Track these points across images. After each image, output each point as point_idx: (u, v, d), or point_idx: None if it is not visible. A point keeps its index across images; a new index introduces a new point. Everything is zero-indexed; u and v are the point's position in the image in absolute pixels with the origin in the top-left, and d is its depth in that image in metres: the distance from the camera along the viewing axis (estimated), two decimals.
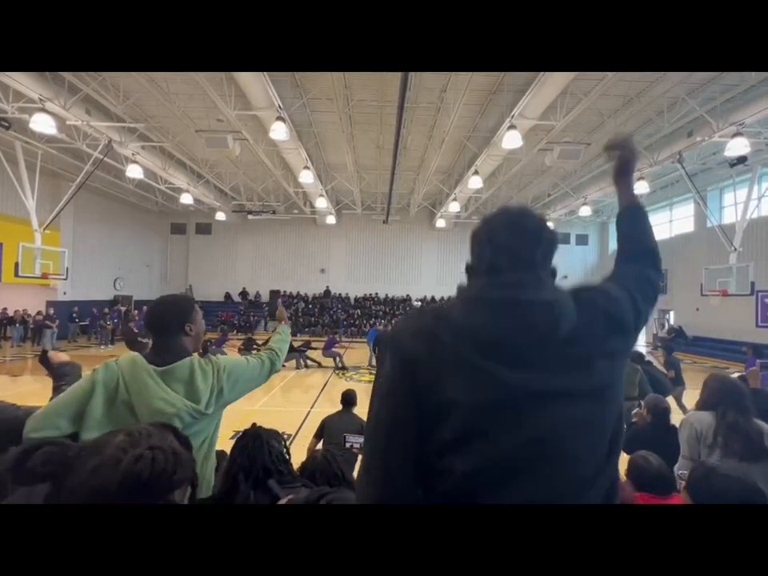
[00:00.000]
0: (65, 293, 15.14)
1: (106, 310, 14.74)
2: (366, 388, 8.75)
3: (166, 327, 1.49)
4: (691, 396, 8.50)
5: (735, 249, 10.56)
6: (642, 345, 18.47)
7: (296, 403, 7.48)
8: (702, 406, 2.13)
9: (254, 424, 1.55)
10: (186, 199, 15.49)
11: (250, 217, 19.48)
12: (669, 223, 18.83)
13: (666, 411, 2.49)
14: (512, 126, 8.73)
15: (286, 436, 5.45)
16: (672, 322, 18.08)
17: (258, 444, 1.43)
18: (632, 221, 1.07)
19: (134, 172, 11.92)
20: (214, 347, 10.62)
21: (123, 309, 17.56)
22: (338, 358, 10.83)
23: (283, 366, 8.80)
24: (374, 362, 12.47)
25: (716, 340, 15.00)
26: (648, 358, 6.95)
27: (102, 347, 13.70)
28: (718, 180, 14.71)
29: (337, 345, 11.28)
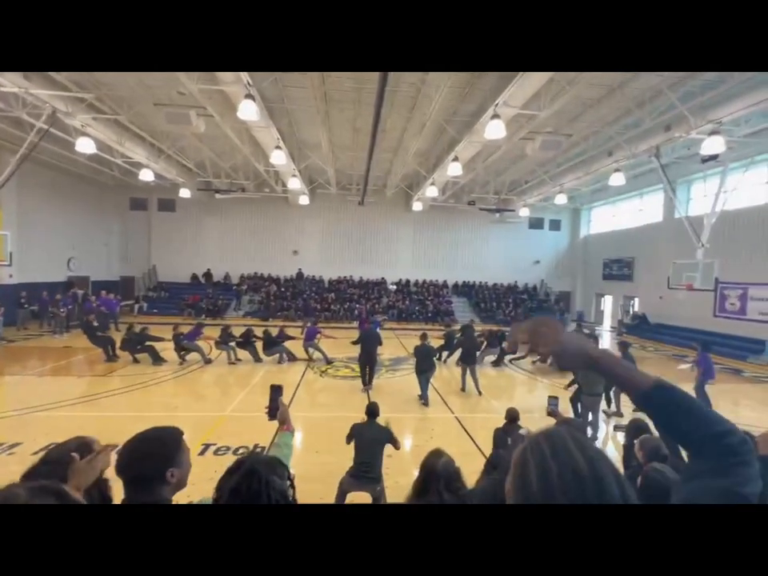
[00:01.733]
0: (11, 275, 13.88)
1: (58, 296, 13.65)
2: (344, 384, 8.52)
3: (142, 477, 1.19)
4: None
5: (702, 245, 10.87)
6: (608, 331, 19.22)
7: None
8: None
9: (251, 452, 1.30)
10: (146, 176, 14.33)
11: (217, 196, 18.37)
12: (639, 212, 19.27)
13: (664, 459, 2.33)
14: (495, 116, 8.39)
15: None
16: (636, 308, 18.81)
17: (256, 487, 1.10)
18: (668, 411, 0.81)
19: (84, 146, 10.77)
20: (186, 341, 10.05)
21: (80, 293, 16.43)
22: (320, 351, 10.39)
23: (259, 360, 8.38)
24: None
25: (677, 328, 15.73)
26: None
27: (56, 336, 12.76)
28: (687, 173, 15.04)
29: (319, 335, 10.80)
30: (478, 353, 10.70)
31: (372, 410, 3.94)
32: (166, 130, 12.53)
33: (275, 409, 1.89)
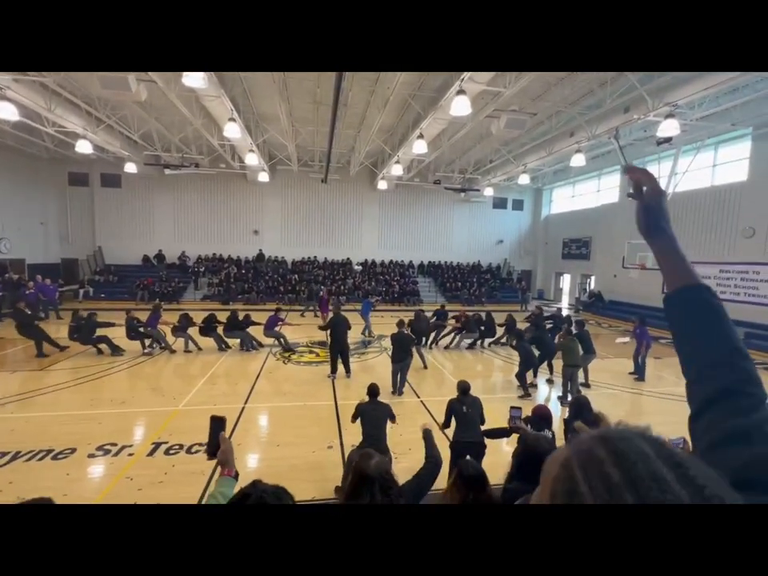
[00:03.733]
0: None
1: None
2: (308, 371, 8.26)
3: None
4: (605, 364, 9.33)
5: None
6: (566, 308, 19.98)
7: (227, 396, 6.77)
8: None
9: (254, 482, 1.13)
10: (84, 148, 12.95)
11: (167, 171, 17.05)
12: (596, 193, 19.86)
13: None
14: (461, 91, 8.12)
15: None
16: (593, 287, 19.63)
17: None
18: (699, 316, 0.72)
19: (5, 112, 9.50)
20: (149, 328, 9.32)
21: (15, 277, 14.94)
22: (282, 339, 9.95)
23: (226, 348, 8.00)
24: (368, 334, 11.86)
25: (630, 304, 16.57)
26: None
27: None
28: (643, 155, 15.52)
29: (281, 324, 10.33)
30: (440, 335, 10.86)
31: (374, 390, 4.27)
32: (103, 96, 11.31)
33: (215, 446, 1.54)
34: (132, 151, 15.80)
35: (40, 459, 4.48)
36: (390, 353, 7.77)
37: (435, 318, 11.17)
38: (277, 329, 10.01)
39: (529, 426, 3.31)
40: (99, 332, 9.10)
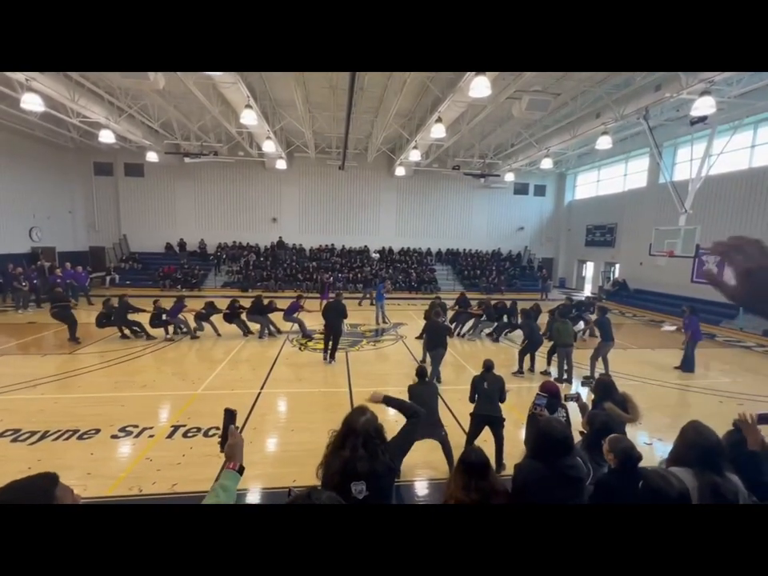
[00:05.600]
0: None
1: (20, 269, 12.84)
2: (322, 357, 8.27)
3: None
4: (623, 355, 9.02)
5: (686, 210, 10.76)
6: (588, 296, 19.42)
7: (245, 382, 6.90)
8: (676, 458, 2.07)
9: (309, 492, 1.12)
10: (107, 137, 13.25)
11: (186, 159, 17.27)
12: (623, 177, 19.04)
13: (637, 461, 2.09)
14: (480, 72, 7.81)
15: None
16: (617, 275, 18.99)
17: None
18: None
19: (31, 103, 9.74)
20: (169, 318, 9.58)
21: (47, 265, 15.54)
22: (301, 326, 10.03)
23: (248, 333, 8.20)
24: (380, 321, 11.88)
25: (655, 293, 15.97)
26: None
27: (20, 311, 12.11)
28: (674, 136, 14.74)
29: (300, 310, 10.34)
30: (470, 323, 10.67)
31: (422, 372, 4.48)
32: (124, 86, 11.46)
33: (225, 439, 1.57)
34: (153, 140, 16.05)
35: (66, 439, 4.68)
36: (405, 340, 7.73)
37: (457, 305, 11.00)
38: (296, 315, 10.10)
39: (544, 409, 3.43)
40: (131, 317, 9.48)
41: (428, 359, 7.36)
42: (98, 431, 4.87)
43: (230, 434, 1.55)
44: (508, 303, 10.53)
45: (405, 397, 3.38)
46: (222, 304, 10.25)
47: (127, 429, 4.96)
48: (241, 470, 1.50)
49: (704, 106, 8.74)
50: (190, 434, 4.86)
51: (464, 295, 11.19)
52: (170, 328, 9.67)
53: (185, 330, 9.76)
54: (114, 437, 4.77)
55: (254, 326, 10.01)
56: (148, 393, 6.21)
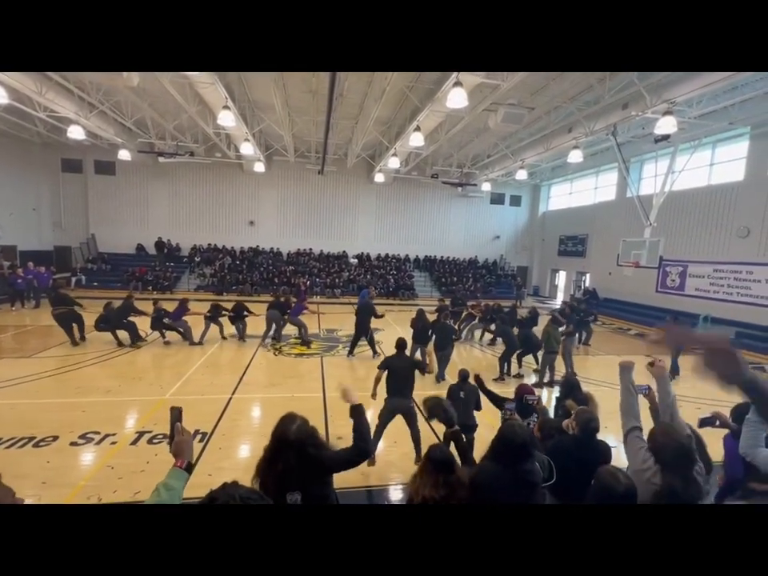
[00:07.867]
0: None
1: None
2: (300, 362, 8.20)
3: None
4: (591, 360, 9.31)
5: (650, 223, 11.28)
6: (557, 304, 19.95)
7: (216, 387, 6.73)
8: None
9: (224, 485, 1.04)
10: (77, 134, 12.77)
11: (161, 159, 16.85)
12: (594, 190, 19.80)
13: (595, 430, 2.68)
14: (458, 83, 8.01)
15: (200, 435, 4.86)
16: (587, 284, 19.64)
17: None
18: None
19: None
20: (170, 320, 9.19)
21: (6, 264, 14.75)
22: (303, 329, 9.78)
23: (224, 338, 7.88)
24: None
25: (623, 302, 16.60)
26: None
27: None
28: (640, 152, 15.46)
29: (306, 311, 10.12)
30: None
31: (401, 344, 4.76)
32: (95, 81, 11.12)
33: (173, 437, 1.52)
34: (126, 138, 15.58)
35: (21, 446, 4.44)
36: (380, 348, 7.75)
37: (452, 305, 11.23)
38: (301, 316, 9.92)
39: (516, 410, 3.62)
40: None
41: (417, 354, 7.65)
42: (55, 438, 4.65)
43: (176, 432, 1.51)
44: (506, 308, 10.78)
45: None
46: (203, 307, 9.96)
47: (88, 435, 4.75)
48: (188, 468, 1.45)
49: (666, 125, 9.23)
50: (155, 441, 4.70)
51: (456, 295, 11.56)
52: (167, 333, 9.23)
53: (185, 335, 9.31)
54: (73, 444, 4.56)
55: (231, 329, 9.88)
56: (112, 398, 5.97)
